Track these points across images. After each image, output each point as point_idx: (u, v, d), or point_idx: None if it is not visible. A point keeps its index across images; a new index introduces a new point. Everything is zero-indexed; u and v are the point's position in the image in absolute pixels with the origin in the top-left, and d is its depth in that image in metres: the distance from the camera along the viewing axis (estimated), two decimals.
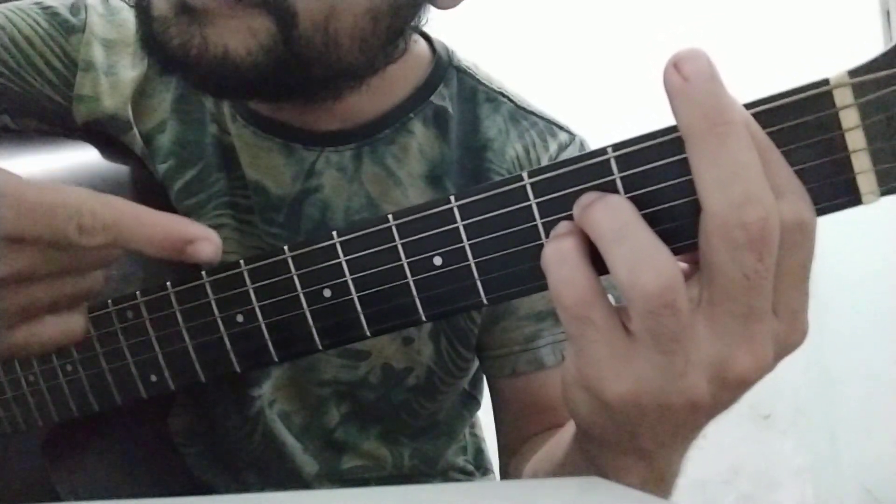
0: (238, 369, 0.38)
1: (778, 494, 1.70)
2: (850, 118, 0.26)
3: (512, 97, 0.57)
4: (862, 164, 0.26)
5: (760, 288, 0.26)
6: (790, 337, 0.28)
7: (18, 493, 0.45)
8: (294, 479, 0.55)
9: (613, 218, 0.28)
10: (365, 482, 0.56)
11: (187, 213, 0.52)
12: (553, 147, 0.55)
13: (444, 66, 0.55)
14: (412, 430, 0.58)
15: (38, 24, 0.52)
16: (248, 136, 0.52)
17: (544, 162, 0.54)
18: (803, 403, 1.71)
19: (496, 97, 0.56)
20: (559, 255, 0.28)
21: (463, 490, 0.29)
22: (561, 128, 0.57)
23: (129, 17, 0.54)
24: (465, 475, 0.64)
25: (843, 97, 0.26)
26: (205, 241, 0.34)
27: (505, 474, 0.58)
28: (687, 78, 0.25)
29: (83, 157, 0.50)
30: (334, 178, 0.52)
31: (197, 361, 0.39)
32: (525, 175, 0.31)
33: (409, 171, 0.53)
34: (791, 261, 0.27)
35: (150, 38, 0.43)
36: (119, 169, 0.50)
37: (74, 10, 0.54)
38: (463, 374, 0.57)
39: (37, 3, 0.54)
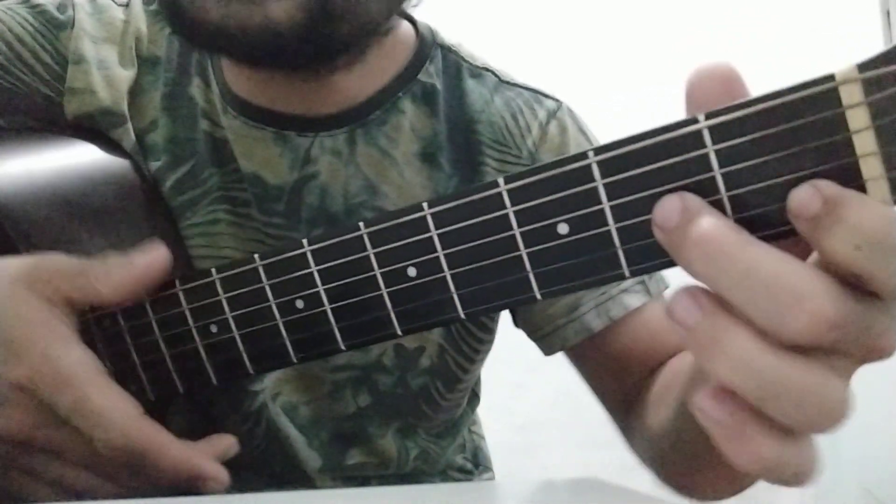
0: (215, 381, 0.38)
1: (778, 494, 1.69)
2: (858, 118, 0.22)
3: (496, 72, 0.57)
4: (872, 169, 0.23)
5: None
6: None
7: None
8: (296, 474, 0.54)
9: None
10: (366, 479, 0.56)
11: (180, 210, 0.52)
12: (542, 113, 0.56)
13: (428, 45, 0.56)
14: (431, 426, 0.58)
15: (27, 21, 0.53)
16: (240, 126, 0.52)
17: (534, 129, 0.54)
18: None
19: (480, 72, 0.57)
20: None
21: (463, 490, 0.28)
22: (546, 95, 0.57)
23: (116, 14, 0.55)
24: (465, 474, 0.63)
25: (850, 95, 0.22)
26: (213, 481, 0.37)
27: (630, 436, 0.55)
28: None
29: (72, 153, 0.50)
30: (330, 162, 0.52)
31: (174, 372, 0.38)
32: (501, 182, 0.29)
33: (403, 150, 0.53)
34: None
35: (182, 19, 0.43)
36: (109, 165, 0.51)
37: (61, 7, 0.54)
38: (476, 357, 0.57)
39: (24, 2, 0.54)
